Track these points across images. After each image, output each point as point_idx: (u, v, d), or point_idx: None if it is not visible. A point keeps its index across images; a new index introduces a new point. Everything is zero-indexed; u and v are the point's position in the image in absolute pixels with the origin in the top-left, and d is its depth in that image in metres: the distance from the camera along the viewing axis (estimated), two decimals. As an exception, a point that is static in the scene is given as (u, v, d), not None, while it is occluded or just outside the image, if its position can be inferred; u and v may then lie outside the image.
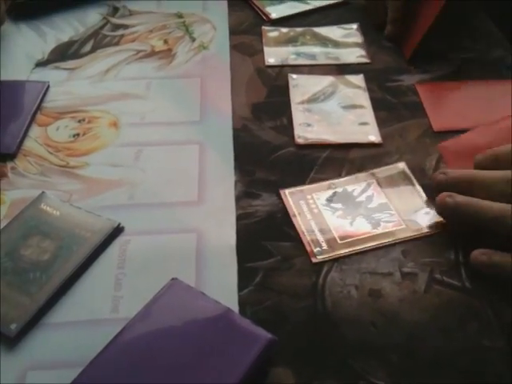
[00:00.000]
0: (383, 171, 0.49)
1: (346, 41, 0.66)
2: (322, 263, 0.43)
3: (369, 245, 0.44)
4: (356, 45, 0.65)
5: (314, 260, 0.43)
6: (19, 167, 0.50)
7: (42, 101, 0.56)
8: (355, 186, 0.48)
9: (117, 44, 0.64)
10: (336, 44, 0.65)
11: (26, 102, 0.55)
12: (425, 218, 0.45)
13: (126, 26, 0.66)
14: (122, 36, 0.65)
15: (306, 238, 0.44)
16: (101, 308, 0.40)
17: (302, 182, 0.49)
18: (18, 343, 0.38)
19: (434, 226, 0.45)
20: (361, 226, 0.45)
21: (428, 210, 0.46)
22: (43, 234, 0.43)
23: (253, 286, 0.41)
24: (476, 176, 0.43)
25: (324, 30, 0.67)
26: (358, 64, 0.62)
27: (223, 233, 0.45)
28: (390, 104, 0.57)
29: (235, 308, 0.39)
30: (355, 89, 0.59)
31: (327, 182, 0.49)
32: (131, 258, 0.43)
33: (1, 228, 0.44)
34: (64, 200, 0.47)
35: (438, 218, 0.45)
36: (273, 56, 0.63)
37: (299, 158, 0.51)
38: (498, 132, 0.49)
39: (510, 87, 0.57)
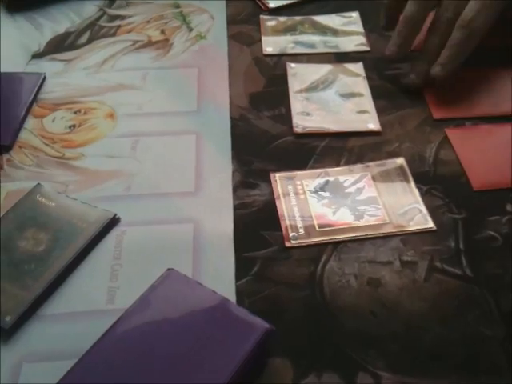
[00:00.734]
0: (380, 165, 0.49)
1: (345, 29, 0.65)
2: (321, 252, 0.42)
3: (346, 236, 0.43)
4: (355, 33, 0.64)
5: (287, 244, 0.43)
6: (15, 159, 0.49)
7: (37, 92, 0.56)
8: (348, 176, 0.48)
9: (113, 35, 0.63)
10: (335, 32, 0.64)
11: (22, 94, 0.55)
12: (411, 216, 0.44)
13: (122, 17, 0.66)
14: (118, 27, 0.64)
15: (286, 222, 0.44)
16: (96, 299, 0.39)
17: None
18: (13, 335, 0.38)
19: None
20: (343, 217, 0.44)
21: (418, 208, 0.45)
22: (38, 225, 0.43)
23: (250, 275, 0.41)
24: None
25: (323, 19, 0.66)
26: (358, 52, 0.61)
27: (220, 223, 0.44)
28: (390, 92, 0.56)
29: (232, 298, 0.39)
30: (354, 77, 0.58)
31: (320, 170, 0.48)
32: (127, 249, 0.42)
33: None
34: (60, 191, 0.46)
35: (426, 221, 0.44)
36: (271, 45, 0.62)
37: (297, 147, 0.51)
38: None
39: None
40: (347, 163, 0.49)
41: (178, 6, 0.68)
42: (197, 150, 0.50)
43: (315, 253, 0.42)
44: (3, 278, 0.40)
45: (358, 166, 0.49)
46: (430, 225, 0.43)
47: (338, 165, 0.49)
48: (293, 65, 0.60)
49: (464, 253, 0.41)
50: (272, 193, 0.47)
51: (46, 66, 0.59)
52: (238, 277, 0.41)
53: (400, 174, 0.48)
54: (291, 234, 0.43)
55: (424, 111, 0.54)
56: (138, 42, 0.62)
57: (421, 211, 0.44)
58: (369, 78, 0.58)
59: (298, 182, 0.47)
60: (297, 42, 0.63)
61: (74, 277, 0.41)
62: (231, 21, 0.66)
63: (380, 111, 0.54)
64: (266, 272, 0.41)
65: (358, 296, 0.40)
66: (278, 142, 0.51)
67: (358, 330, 0.38)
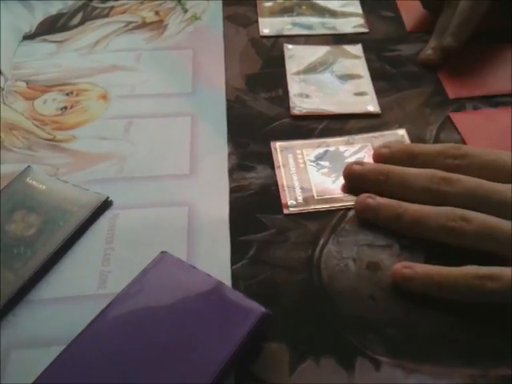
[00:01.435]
0: (381, 136, 0.48)
1: (343, 10, 0.63)
2: (319, 235, 0.41)
3: (344, 203, 0.43)
4: (354, 14, 0.63)
5: (285, 211, 0.42)
6: (5, 141, 0.48)
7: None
8: (349, 147, 0.47)
9: (106, 16, 0.62)
10: (333, 14, 0.63)
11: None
12: None
13: (116, -2, 0.64)
14: (111, 8, 0.63)
15: (285, 191, 0.44)
16: (88, 283, 0.38)
17: (298, 154, 0.47)
18: (1, 320, 0.37)
19: None
20: (342, 186, 0.44)
21: None
22: (29, 208, 0.42)
23: (246, 259, 0.40)
24: (393, 169, 0.42)
25: (321, 0, 0.65)
26: (356, 34, 0.60)
27: (216, 206, 0.43)
28: (389, 74, 0.55)
29: (228, 282, 0.38)
30: (353, 59, 0.57)
31: (321, 141, 0.48)
32: (120, 233, 0.41)
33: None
34: (51, 174, 0.45)
35: None
36: (268, 26, 0.61)
37: (295, 129, 0.50)
38: None
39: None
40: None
41: (172, -13, 0.66)
42: (192, 132, 0.49)
43: (313, 236, 0.41)
44: None
45: (359, 137, 0.48)
46: None
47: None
48: (290, 46, 0.58)
49: (465, 235, 0.40)
50: (269, 176, 0.45)
51: (38, 48, 0.58)
52: (233, 260, 0.40)
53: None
54: (290, 202, 0.43)
55: (424, 93, 0.52)
56: (131, 23, 0.61)
57: None
58: (367, 59, 0.57)
59: (299, 152, 0.47)
60: (294, 24, 0.62)
61: (64, 261, 0.40)
62: (227, 2, 0.64)
63: (379, 93, 0.53)
64: (262, 255, 0.40)
65: (357, 280, 0.39)
66: (275, 124, 0.50)
67: (356, 315, 0.37)
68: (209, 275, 0.37)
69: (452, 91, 0.52)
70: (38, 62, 0.56)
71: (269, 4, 0.64)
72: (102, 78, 0.54)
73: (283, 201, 0.43)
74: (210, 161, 0.47)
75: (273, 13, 0.63)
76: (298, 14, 0.63)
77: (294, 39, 0.59)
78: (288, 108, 0.51)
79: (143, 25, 0.61)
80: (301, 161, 0.46)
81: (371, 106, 0.51)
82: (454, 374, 0.34)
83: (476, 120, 0.49)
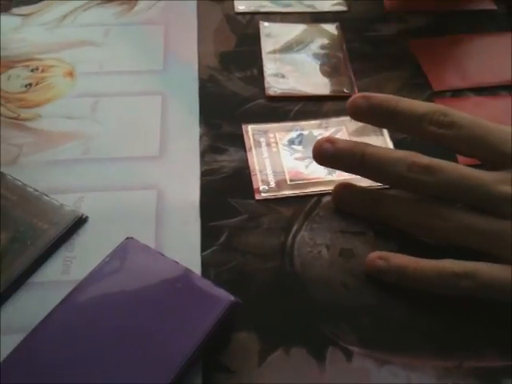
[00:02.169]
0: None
1: (322, -12, 0.61)
2: (292, 221, 0.40)
3: (317, 189, 0.42)
4: (333, -8, 0.61)
5: (257, 197, 0.41)
6: (-35, 119, 0.46)
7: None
8: (322, 130, 0.46)
9: (73, -10, 0.59)
10: (312, -9, 0.61)
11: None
12: None
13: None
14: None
15: (257, 176, 0.43)
16: (51, 269, 0.37)
17: (272, 136, 0.46)
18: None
19: None
20: (315, 171, 0.43)
21: None
22: None
23: (217, 245, 0.39)
24: (368, 151, 0.38)
25: (299, -24, 0.63)
26: (335, 12, 0.58)
27: (186, 190, 0.42)
28: (368, 55, 0.54)
29: (198, 269, 0.37)
30: (330, 38, 0.55)
31: (294, 124, 0.46)
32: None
33: None
34: (15, 155, 0.43)
35: None
36: (243, 3, 0.59)
37: (270, 110, 0.48)
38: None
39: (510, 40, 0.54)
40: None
41: (144, -41, 0.63)
42: (162, 111, 0.47)
43: (286, 222, 0.40)
44: None
45: (333, 120, 0.47)
46: None
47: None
48: (266, 24, 0.57)
49: (440, 223, 0.40)
50: (242, 160, 0.44)
51: (2, 21, 0.55)
52: (203, 247, 0.38)
53: (375, 128, 0.46)
54: (262, 187, 0.42)
55: (403, 76, 0.51)
56: (100, -4, 0.58)
57: None
58: (346, 39, 0.55)
59: (271, 135, 0.46)
60: (271, 0, 0.60)
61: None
62: (202, -24, 0.62)
63: (358, 74, 0.51)
64: (233, 242, 0.39)
65: (330, 267, 0.38)
66: (250, 105, 0.48)
67: (328, 303, 0.36)
68: (176, 262, 0.35)
69: (436, 84, 0.51)
70: (2, 37, 0.53)
71: (245, -21, 0.62)
72: (68, 53, 0.51)
73: (255, 186, 0.42)
74: (180, 142, 0.45)
75: (249, -12, 0.61)
76: (276, -9, 0.61)
77: (270, 17, 0.58)
78: (263, 89, 0.50)
79: (113, -1, 0.58)
80: (273, 144, 0.45)
81: (347, 87, 0.50)
82: (427, 366, 0.33)
83: (460, 106, 0.48)
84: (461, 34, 0.56)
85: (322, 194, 0.42)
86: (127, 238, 0.36)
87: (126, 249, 0.36)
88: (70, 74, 0.49)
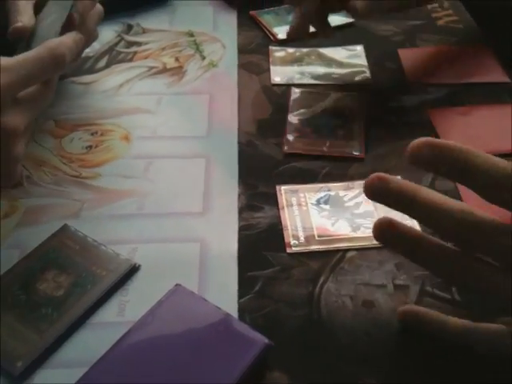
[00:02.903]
0: None
1: (349, 62, 0.68)
2: (319, 273, 0.45)
3: (342, 245, 0.47)
4: (359, 66, 0.67)
5: (288, 250, 0.46)
6: (34, 176, 0.52)
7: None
8: (348, 192, 0.51)
9: (130, 60, 0.67)
10: (340, 64, 0.68)
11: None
12: None
13: (139, 44, 0.69)
14: (135, 53, 0.68)
15: (288, 231, 0.48)
16: (108, 312, 0.42)
17: (303, 197, 0.51)
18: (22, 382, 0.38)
19: None
20: (341, 228, 0.48)
21: (410, 224, 0.48)
22: (60, 267, 0.44)
23: (252, 293, 0.44)
24: (420, 193, 0.35)
25: (329, 51, 0.70)
26: (361, 84, 0.65)
27: (226, 243, 0.47)
28: (390, 123, 0.59)
29: (235, 314, 0.41)
30: (351, 105, 0.61)
31: (322, 185, 0.52)
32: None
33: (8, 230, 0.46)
34: (77, 209, 0.49)
35: None
36: (279, 75, 0.66)
37: (301, 172, 0.54)
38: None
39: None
40: (347, 190, 0.52)
41: (191, 35, 0.71)
42: (206, 172, 0.53)
43: (314, 274, 0.45)
44: (18, 320, 0.40)
45: (358, 183, 0.52)
46: None
47: (339, 191, 0.52)
48: (296, 90, 0.63)
49: (453, 279, 0.44)
50: (275, 216, 0.49)
51: (67, 89, 0.63)
52: (240, 294, 0.43)
53: None
54: (292, 242, 0.47)
55: (422, 143, 0.56)
56: (153, 68, 0.66)
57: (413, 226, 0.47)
58: (370, 108, 0.61)
59: (301, 195, 0.51)
60: (303, 73, 0.66)
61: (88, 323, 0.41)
62: (242, 50, 0.70)
63: (378, 140, 0.57)
64: (267, 290, 0.44)
65: (353, 316, 0.42)
66: (283, 168, 0.54)
67: (352, 348, 0.40)
68: (218, 307, 0.40)
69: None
70: (67, 102, 0.61)
71: (280, 54, 0.69)
72: (125, 119, 0.59)
73: (286, 240, 0.47)
74: (221, 200, 0.51)
75: (284, 62, 0.68)
76: (307, 64, 0.68)
77: (302, 86, 0.64)
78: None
79: (164, 70, 0.65)
80: (303, 203, 0.50)
81: (357, 150, 0.56)
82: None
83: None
84: (476, 104, 0.61)
85: (346, 250, 0.47)
86: (176, 285, 0.42)
87: (175, 294, 0.41)
88: (126, 138, 0.56)
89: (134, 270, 0.45)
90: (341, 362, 0.39)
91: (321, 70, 0.67)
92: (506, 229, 0.33)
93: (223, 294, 0.43)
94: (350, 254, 0.46)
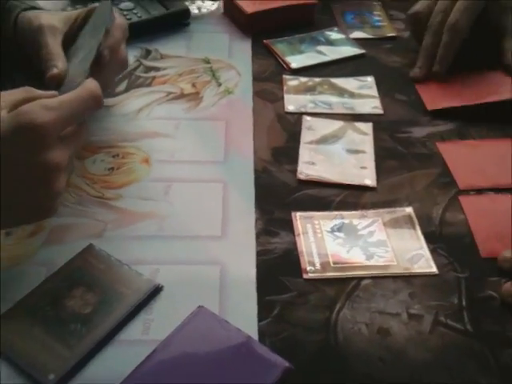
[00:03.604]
0: (390, 212, 0.54)
1: (360, 92, 0.70)
2: (335, 300, 0.46)
3: (357, 273, 0.48)
4: (370, 96, 0.70)
5: (305, 276, 0.48)
6: (59, 196, 0.54)
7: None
8: (361, 220, 0.53)
9: (149, 85, 0.69)
10: (351, 95, 0.70)
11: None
12: (417, 260, 0.49)
13: (157, 69, 0.71)
14: (153, 78, 0.70)
15: (304, 257, 0.49)
16: (133, 330, 0.43)
17: (318, 224, 0.53)
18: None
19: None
20: (355, 255, 0.50)
21: (422, 254, 0.50)
22: (87, 285, 0.45)
23: (271, 317, 0.45)
24: None
25: (340, 81, 0.72)
26: (372, 115, 0.67)
27: (244, 267, 0.48)
28: (401, 154, 0.61)
29: (255, 337, 0.43)
30: (361, 135, 0.63)
31: (336, 213, 0.54)
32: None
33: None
34: (100, 229, 0.50)
35: (430, 265, 0.49)
36: (292, 103, 0.68)
37: (316, 200, 0.55)
38: None
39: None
40: (361, 219, 0.54)
41: (208, 62, 0.73)
42: (223, 197, 0.55)
43: (330, 300, 0.46)
44: (48, 335, 0.42)
45: (371, 212, 0.54)
46: (433, 269, 0.48)
47: (353, 219, 0.54)
48: (308, 118, 0.65)
49: (466, 309, 0.46)
50: (291, 242, 0.51)
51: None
52: (260, 317, 0.45)
53: (408, 221, 0.53)
54: (309, 268, 0.48)
55: (432, 174, 0.59)
56: (171, 93, 0.68)
57: (425, 257, 0.49)
58: (381, 139, 0.63)
59: (316, 222, 0.53)
60: (316, 102, 0.68)
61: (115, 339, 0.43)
62: (256, 78, 0.72)
63: (388, 170, 0.59)
64: (285, 315, 0.45)
65: (369, 343, 0.43)
66: (298, 195, 0.56)
67: (367, 374, 0.42)
68: (239, 330, 0.42)
69: (462, 183, 0.58)
70: (90, 124, 0.62)
71: (293, 82, 0.71)
72: (145, 142, 0.60)
73: (303, 266, 0.49)
74: (239, 224, 0.52)
75: (297, 91, 0.70)
76: (320, 93, 0.70)
77: (315, 116, 0.66)
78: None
79: (181, 95, 0.67)
80: (318, 230, 0.52)
81: (369, 179, 0.58)
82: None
83: (481, 203, 0.55)
84: (484, 138, 0.64)
85: (361, 278, 0.48)
86: (199, 307, 0.43)
87: (198, 316, 0.42)
88: (146, 161, 0.58)
89: (157, 290, 0.46)
90: (357, 386, 0.41)
91: (333, 99, 0.69)
92: None
93: (243, 316, 0.44)
94: (364, 282, 0.48)
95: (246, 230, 0.52)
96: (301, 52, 0.77)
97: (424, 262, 0.49)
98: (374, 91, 0.71)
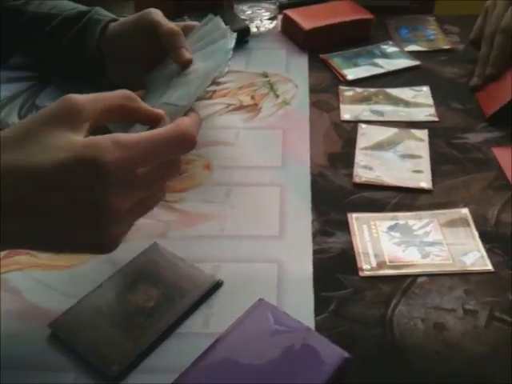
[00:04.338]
0: (446, 214, 0.55)
1: (416, 101, 0.72)
2: (391, 297, 0.47)
3: (412, 271, 0.49)
4: (425, 105, 0.71)
5: (361, 274, 0.49)
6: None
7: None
8: (417, 221, 0.54)
9: (210, 98, 0.73)
10: (406, 104, 0.71)
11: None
12: (473, 259, 0.50)
13: (218, 83, 0.75)
14: (214, 91, 0.74)
15: (360, 256, 0.51)
16: (194, 323, 0.46)
17: (374, 225, 0.54)
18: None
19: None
20: (411, 254, 0.51)
21: (478, 252, 0.50)
22: (151, 281, 0.47)
23: (327, 312, 0.46)
24: None
25: (396, 91, 0.73)
26: (427, 122, 0.68)
27: (301, 265, 0.50)
28: (456, 159, 0.62)
29: (312, 331, 0.44)
30: (417, 141, 0.64)
31: (392, 214, 0.55)
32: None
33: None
34: (164, 230, 0.54)
35: (485, 263, 0.49)
36: (348, 112, 0.70)
37: (371, 202, 0.57)
38: None
39: None
40: (416, 220, 0.55)
41: (266, 76, 0.77)
42: (281, 200, 0.57)
43: (386, 297, 0.47)
44: (113, 327, 0.44)
45: (426, 213, 0.55)
46: (489, 267, 0.49)
47: (408, 221, 0.55)
48: (363, 125, 0.67)
49: (522, 305, 0.46)
50: (347, 242, 0.52)
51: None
52: (316, 313, 0.46)
53: (463, 222, 0.54)
54: (365, 266, 0.50)
55: (488, 177, 0.59)
56: (231, 105, 0.71)
57: (481, 255, 0.50)
58: (437, 145, 0.64)
59: (372, 223, 0.54)
60: (371, 111, 0.70)
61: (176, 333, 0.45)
62: (313, 90, 0.74)
63: (444, 174, 0.60)
64: (341, 310, 0.47)
65: (425, 337, 0.44)
66: (353, 197, 0.58)
67: (423, 366, 0.42)
68: (299, 321, 0.43)
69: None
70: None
71: (349, 93, 0.73)
72: (207, 150, 0.64)
73: (359, 265, 0.50)
74: (296, 225, 0.54)
75: (353, 101, 0.72)
76: (375, 103, 0.71)
77: (370, 123, 0.68)
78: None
79: (241, 107, 0.71)
80: (374, 231, 0.53)
81: (424, 182, 0.58)
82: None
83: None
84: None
85: (417, 275, 0.49)
86: (259, 299, 0.45)
87: (259, 308, 0.44)
88: (208, 167, 0.61)
89: (217, 285, 0.48)
90: (413, 379, 0.42)
91: (388, 108, 0.70)
92: None
93: (300, 311, 0.46)
94: (420, 280, 0.49)
95: (303, 230, 0.54)
96: (357, 65, 0.79)
97: (480, 260, 0.49)
98: (429, 100, 0.72)
